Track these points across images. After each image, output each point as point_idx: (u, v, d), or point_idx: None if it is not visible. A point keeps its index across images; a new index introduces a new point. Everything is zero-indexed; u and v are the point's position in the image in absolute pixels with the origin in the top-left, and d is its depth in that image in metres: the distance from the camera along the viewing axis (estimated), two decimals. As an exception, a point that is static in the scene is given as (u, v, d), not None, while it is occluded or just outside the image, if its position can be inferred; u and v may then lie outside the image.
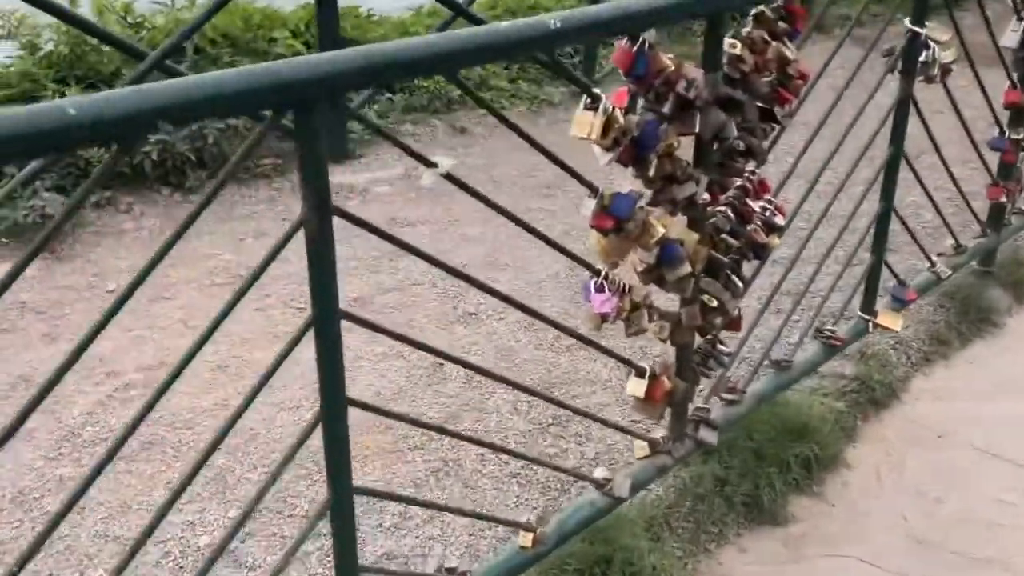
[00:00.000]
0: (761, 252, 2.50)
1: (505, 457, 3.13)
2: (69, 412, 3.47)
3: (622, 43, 1.97)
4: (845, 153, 3.01)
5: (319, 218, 1.49)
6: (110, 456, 1.51)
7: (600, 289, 2.13)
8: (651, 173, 2.11)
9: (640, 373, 2.36)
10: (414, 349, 1.95)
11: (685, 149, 2.19)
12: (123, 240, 4.72)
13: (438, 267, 1.80)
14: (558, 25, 1.69)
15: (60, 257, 4.55)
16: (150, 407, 1.53)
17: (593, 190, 2.03)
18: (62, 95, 5.19)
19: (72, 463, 3.24)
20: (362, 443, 3.25)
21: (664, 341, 2.40)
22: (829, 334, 3.12)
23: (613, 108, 1.96)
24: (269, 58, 5.74)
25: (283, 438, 3.31)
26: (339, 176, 5.35)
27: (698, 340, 2.49)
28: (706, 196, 2.25)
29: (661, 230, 2.12)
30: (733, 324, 2.57)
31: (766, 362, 2.94)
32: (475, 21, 1.96)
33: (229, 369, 3.72)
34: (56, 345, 3.87)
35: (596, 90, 1.94)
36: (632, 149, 2.04)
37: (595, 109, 1.94)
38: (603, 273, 2.13)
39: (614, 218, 2.05)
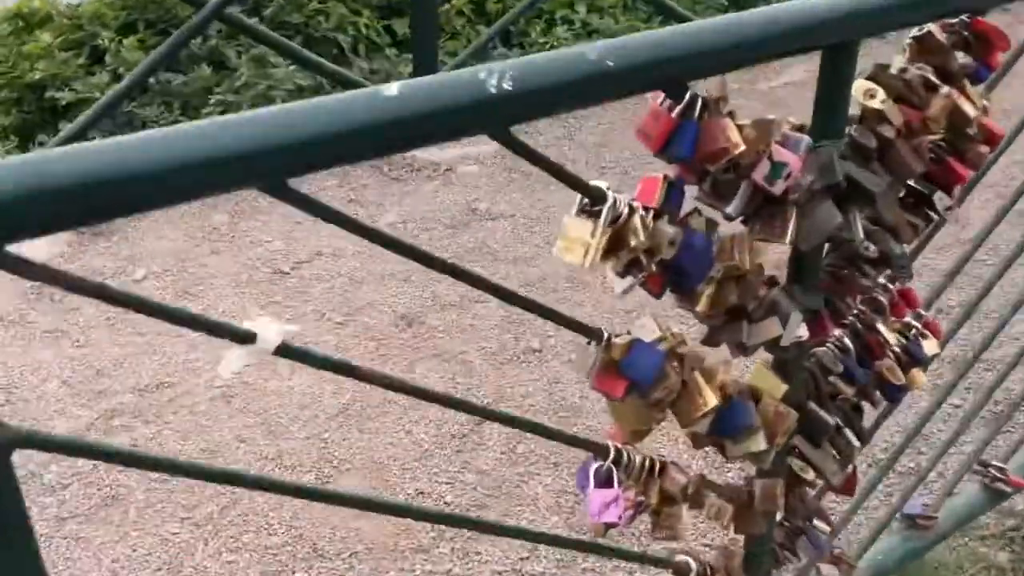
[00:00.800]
0: (896, 393, 1.63)
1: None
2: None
3: (654, 101, 1.14)
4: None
5: None
6: None
7: (605, 480, 1.33)
8: (702, 308, 1.28)
9: (681, 573, 1.55)
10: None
11: (769, 255, 1.35)
12: (171, 216, 4.17)
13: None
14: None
15: (97, 231, 4.05)
16: None
17: (590, 335, 1.23)
18: (119, 43, 4.66)
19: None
20: (358, 530, 2.58)
21: (725, 529, 1.58)
22: (997, 474, 2.19)
23: (631, 212, 1.14)
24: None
25: None
26: (422, 151, 4.64)
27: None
28: (803, 333, 1.39)
29: (712, 400, 1.30)
30: (844, 486, 1.72)
31: (896, 518, 2.06)
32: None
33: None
34: (58, 346, 3.37)
35: (600, 184, 1.12)
36: (665, 275, 1.22)
37: (595, 215, 1.13)
38: (611, 455, 1.33)
39: (629, 380, 1.25)
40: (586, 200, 1.13)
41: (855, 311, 1.56)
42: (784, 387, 1.44)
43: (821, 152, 1.26)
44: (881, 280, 1.52)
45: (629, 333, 1.26)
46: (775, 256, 1.33)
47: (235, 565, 2.49)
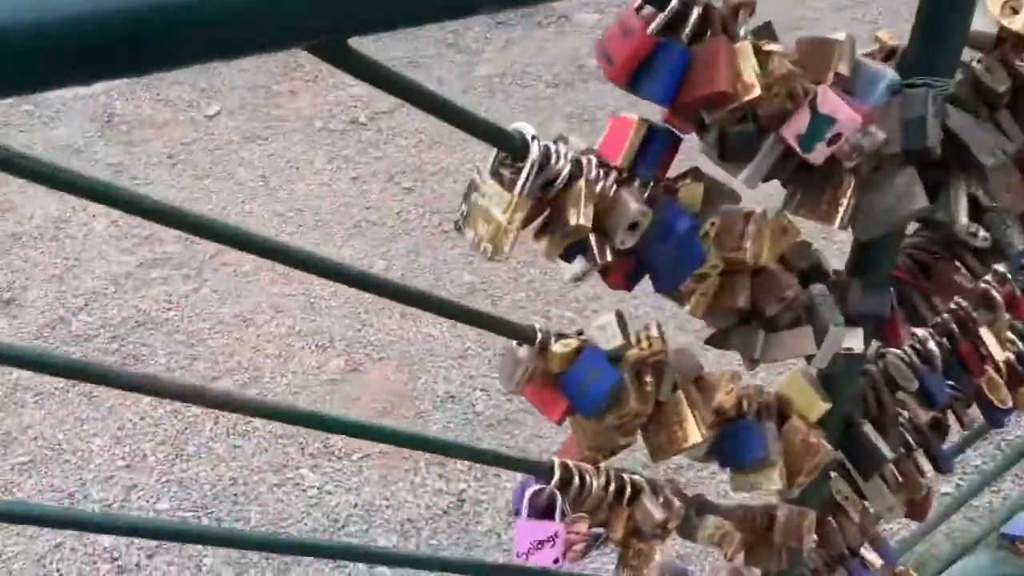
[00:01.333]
0: (999, 416, 1.22)
1: None
2: None
3: (631, 5, 0.73)
4: None
5: None
6: None
7: (544, 509, 0.99)
8: (692, 310, 0.89)
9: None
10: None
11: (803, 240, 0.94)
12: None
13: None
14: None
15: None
16: None
17: (518, 335, 0.87)
18: None
19: None
20: None
21: (730, 559, 1.23)
22: None
23: (576, 173, 0.75)
24: None
25: None
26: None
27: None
28: (855, 346, 0.98)
29: (695, 436, 0.92)
30: (917, 509, 1.33)
31: (984, 542, 1.64)
32: None
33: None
34: (116, 181, 3.19)
35: (522, 126, 0.73)
36: (629, 264, 0.83)
37: (516, 171, 0.74)
38: (555, 478, 0.98)
39: (571, 402, 0.89)
40: (504, 153, 0.74)
41: (949, 309, 1.13)
42: (825, 406, 1.05)
43: (911, 97, 0.82)
44: (986, 279, 1.08)
45: (580, 335, 0.89)
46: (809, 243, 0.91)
47: (240, 451, 2.31)
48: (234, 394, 0.75)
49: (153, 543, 2.10)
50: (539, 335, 0.86)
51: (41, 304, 2.74)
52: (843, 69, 0.80)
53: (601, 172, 0.77)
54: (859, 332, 1.00)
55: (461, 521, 2.10)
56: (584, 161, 0.76)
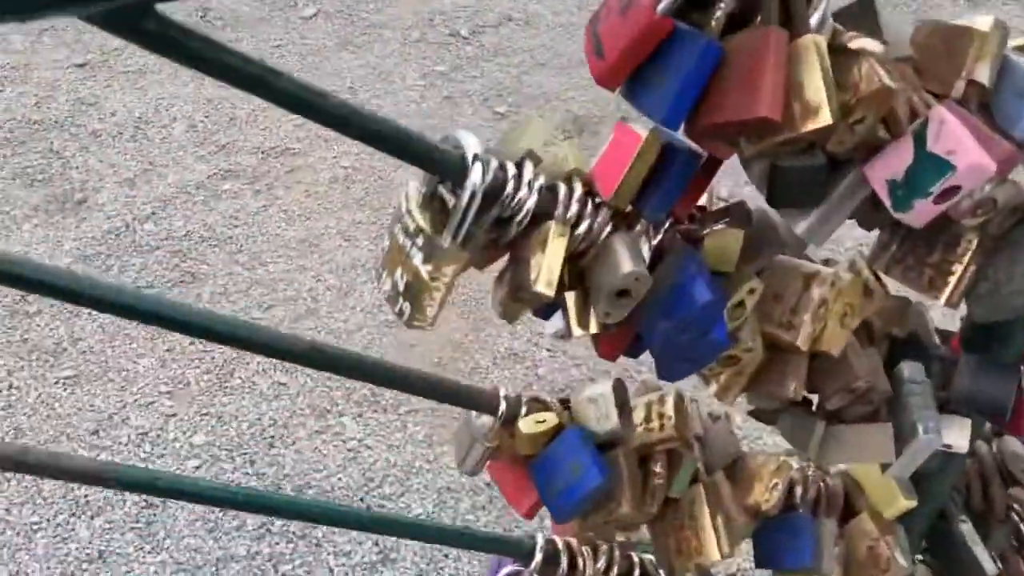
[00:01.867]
0: None
1: None
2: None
3: None
4: None
5: None
6: None
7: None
8: (717, 392, 0.64)
9: None
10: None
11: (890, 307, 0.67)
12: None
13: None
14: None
15: (282, -48, 3.62)
16: None
17: (475, 403, 0.64)
18: None
19: None
20: None
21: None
22: None
23: (542, 211, 0.51)
24: None
25: None
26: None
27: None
28: (958, 445, 0.72)
29: (714, 553, 0.69)
30: None
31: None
32: None
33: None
34: (200, 82, 3.05)
35: (465, 134, 0.49)
36: (631, 333, 0.58)
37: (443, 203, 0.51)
38: (536, 559, 0.77)
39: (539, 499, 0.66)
40: (436, 176, 0.50)
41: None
42: (908, 504, 0.80)
43: None
44: None
45: (565, 406, 0.66)
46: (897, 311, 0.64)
47: (283, 389, 2.18)
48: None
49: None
50: (503, 404, 0.64)
51: (110, 209, 2.64)
52: (982, 75, 0.52)
53: (589, 207, 0.53)
54: (965, 424, 0.73)
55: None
56: (561, 191, 0.52)
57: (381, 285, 0.52)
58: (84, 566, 1.87)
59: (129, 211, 2.64)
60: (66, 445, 2.09)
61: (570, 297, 0.53)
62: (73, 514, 1.96)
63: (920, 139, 0.48)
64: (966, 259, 0.56)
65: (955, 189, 0.48)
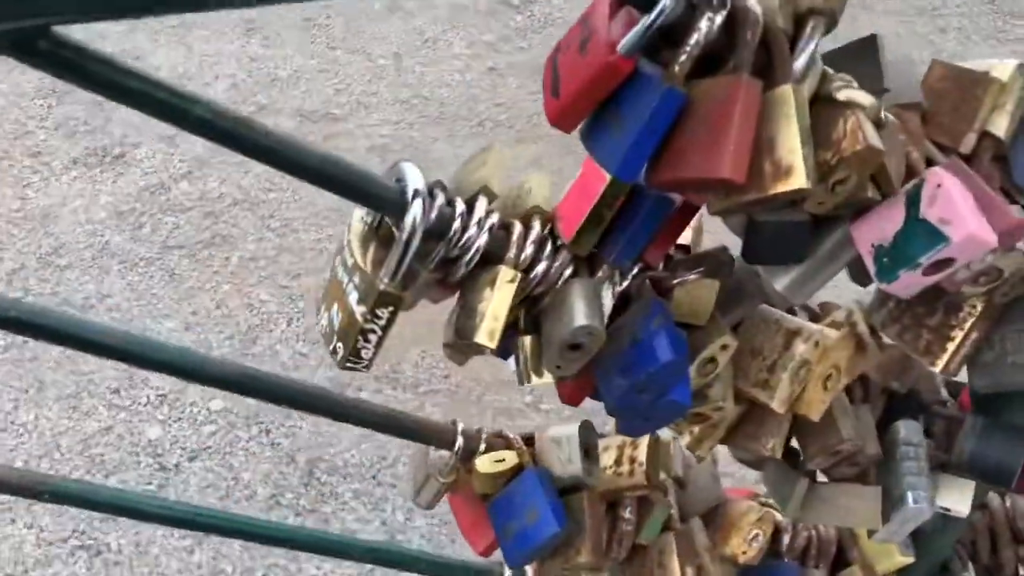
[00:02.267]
0: None
1: None
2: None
3: None
4: None
5: None
6: None
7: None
8: (689, 444, 0.59)
9: None
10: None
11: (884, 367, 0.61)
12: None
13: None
14: None
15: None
16: None
17: (431, 438, 0.60)
18: None
19: None
20: None
21: None
22: None
23: (504, 253, 0.46)
24: None
25: None
26: None
27: None
28: (958, 511, 0.67)
29: None
30: None
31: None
32: None
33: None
34: (246, 39, 3.03)
35: (409, 168, 0.45)
36: (586, 378, 0.54)
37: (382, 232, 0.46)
38: None
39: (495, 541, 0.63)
40: (375, 211, 0.46)
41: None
42: (904, 561, 0.75)
43: None
44: None
45: (528, 444, 0.62)
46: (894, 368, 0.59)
47: (304, 360, 2.17)
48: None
49: (196, 445, 2.01)
50: (460, 440, 0.60)
51: (147, 165, 2.65)
52: (999, 127, 0.47)
53: (548, 248, 0.48)
54: (968, 487, 0.68)
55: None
56: (516, 231, 0.47)
57: (319, 320, 0.48)
58: (96, 523, 1.89)
59: (166, 169, 2.63)
60: (87, 402, 2.10)
61: (524, 342, 0.49)
62: (88, 471, 1.97)
63: (914, 202, 0.42)
64: (967, 325, 0.51)
65: (949, 261, 0.43)
